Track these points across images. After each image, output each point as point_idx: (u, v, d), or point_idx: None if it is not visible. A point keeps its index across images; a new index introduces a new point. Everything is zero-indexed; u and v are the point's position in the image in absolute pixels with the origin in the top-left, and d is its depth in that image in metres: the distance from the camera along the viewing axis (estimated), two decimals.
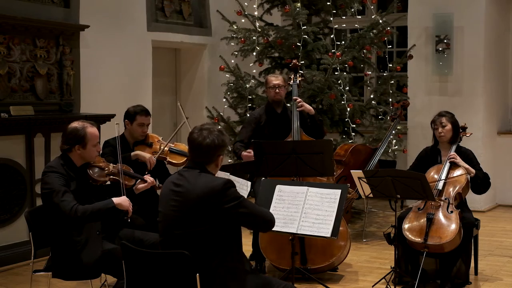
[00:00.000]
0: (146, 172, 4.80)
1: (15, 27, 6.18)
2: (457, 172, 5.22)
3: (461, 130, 5.41)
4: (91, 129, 4.22)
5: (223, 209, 3.30)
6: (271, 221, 3.55)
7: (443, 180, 5.14)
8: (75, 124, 4.22)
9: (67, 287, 5.34)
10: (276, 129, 5.79)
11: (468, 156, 5.33)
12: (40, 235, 4.34)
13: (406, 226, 5.04)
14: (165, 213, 3.41)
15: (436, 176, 5.20)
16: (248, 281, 3.39)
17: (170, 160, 5.23)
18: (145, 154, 5.02)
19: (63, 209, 3.96)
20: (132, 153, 5.02)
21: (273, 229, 4.02)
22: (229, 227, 3.36)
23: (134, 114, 5.16)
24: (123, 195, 4.18)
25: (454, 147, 5.31)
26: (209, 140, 3.39)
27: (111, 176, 4.36)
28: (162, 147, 5.23)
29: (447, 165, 5.23)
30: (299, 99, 5.77)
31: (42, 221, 4.41)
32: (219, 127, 3.59)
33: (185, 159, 5.23)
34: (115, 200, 4.04)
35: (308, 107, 5.78)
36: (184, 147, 5.31)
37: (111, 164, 4.42)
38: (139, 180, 4.53)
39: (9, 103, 6.13)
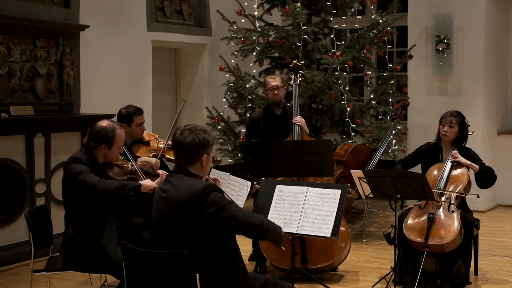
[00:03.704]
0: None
1: (15, 27, 6.19)
2: (459, 172, 5.21)
3: (467, 132, 5.41)
4: (120, 131, 4.30)
5: (203, 215, 3.19)
6: (259, 227, 3.36)
7: (444, 179, 5.15)
8: (105, 124, 4.27)
9: (67, 287, 5.35)
10: (275, 132, 5.75)
11: (469, 153, 5.33)
12: (40, 235, 4.35)
13: (406, 225, 5.04)
14: (156, 218, 3.40)
15: (437, 175, 5.20)
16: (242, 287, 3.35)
17: (169, 156, 5.21)
18: (151, 159, 4.96)
19: (90, 182, 4.06)
20: (139, 160, 4.97)
21: None
22: (218, 233, 3.26)
23: (130, 116, 5.10)
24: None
25: (455, 147, 5.31)
26: (190, 139, 3.29)
27: (129, 175, 4.42)
28: (160, 145, 5.20)
29: (449, 164, 5.22)
30: (298, 120, 5.69)
31: (42, 221, 4.44)
32: (201, 126, 3.47)
33: None
34: (142, 182, 4.22)
35: (305, 128, 5.71)
36: None
37: (129, 163, 4.47)
38: (155, 177, 4.57)
39: (9, 103, 6.13)
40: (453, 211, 5.00)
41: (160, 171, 4.62)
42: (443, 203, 5.05)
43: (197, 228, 3.22)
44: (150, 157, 5.04)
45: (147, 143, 5.25)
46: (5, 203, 5.95)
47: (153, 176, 4.59)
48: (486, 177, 5.26)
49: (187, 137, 3.30)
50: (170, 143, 5.22)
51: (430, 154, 5.42)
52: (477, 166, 5.23)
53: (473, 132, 5.55)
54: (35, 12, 6.41)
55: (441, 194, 5.10)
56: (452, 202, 5.06)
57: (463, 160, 5.23)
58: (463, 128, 5.33)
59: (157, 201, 3.38)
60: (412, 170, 5.25)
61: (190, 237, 3.23)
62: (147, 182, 4.23)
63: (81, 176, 4.09)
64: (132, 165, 4.47)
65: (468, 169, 5.25)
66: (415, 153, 5.59)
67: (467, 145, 5.46)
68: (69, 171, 4.17)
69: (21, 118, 6.04)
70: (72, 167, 4.16)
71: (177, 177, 3.33)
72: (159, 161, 5.01)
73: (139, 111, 5.17)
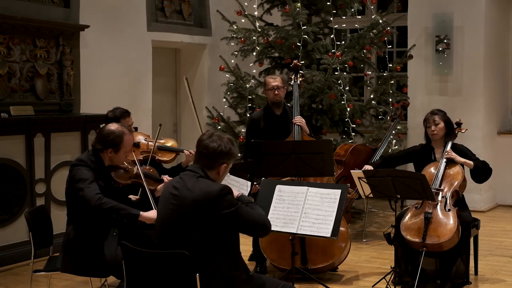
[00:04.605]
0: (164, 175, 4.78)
1: (15, 27, 6.19)
2: (454, 170, 5.21)
3: (456, 126, 5.41)
4: (128, 136, 4.26)
5: (218, 215, 3.25)
6: (266, 227, 3.45)
7: (440, 178, 5.15)
8: (113, 128, 4.24)
9: (67, 287, 5.35)
10: (275, 132, 5.74)
11: (461, 151, 5.33)
12: (40, 235, 4.34)
13: (403, 225, 5.03)
14: (163, 215, 3.40)
15: (432, 174, 5.20)
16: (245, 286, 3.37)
17: (160, 158, 5.15)
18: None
19: (87, 193, 3.99)
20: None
21: (273, 229, 4.01)
22: (226, 234, 3.31)
23: (117, 119, 4.99)
24: (150, 198, 4.23)
25: (449, 144, 5.30)
26: (216, 144, 3.35)
27: (133, 179, 4.38)
28: (150, 144, 5.13)
29: (443, 163, 5.22)
30: (298, 120, 5.70)
31: (42, 221, 4.43)
32: (230, 136, 3.53)
33: (175, 155, 5.16)
34: (143, 213, 4.05)
35: (305, 128, 5.73)
36: (173, 142, 5.24)
37: (136, 167, 4.43)
38: (160, 182, 4.54)
39: (9, 103, 6.14)
40: (449, 210, 5.00)
41: (164, 177, 4.60)
42: (439, 201, 5.05)
43: (208, 228, 3.25)
44: (140, 159, 4.99)
45: (136, 145, 5.17)
46: (5, 203, 5.95)
47: (157, 181, 4.58)
48: (481, 172, 5.27)
49: (214, 142, 3.37)
50: (160, 142, 5.20)
51: (423, 154, 5.42)
52: (471, 163, 5.23)
53: (466, 129, 5.54)
54: (35, 12, 6.41)
55: (437, 193, 5.09)
56: (448, 200, 5.05)
57: (457, 158, 5.23)
58: (448, 122, 5.34)
59: (167, 198, 3.38)
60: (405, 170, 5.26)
61: (198, 236, 3.25)
62: (149, 214, 4.08)
63: (81, 184, 4.04)
64: (138, 169, 4.44)
65: (463, 166, 5.26)
66: (407, 151, 5.62)
67: (467, 146, 5.46)
68: (72, 176, 4.14)
69: (21, 118, 6.04)
70: (76, 172, 4.12)
71: (191, 176, 3.35)
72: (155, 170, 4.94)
73: (125, 113, 5.10)
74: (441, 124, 5.30)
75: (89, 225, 4.14)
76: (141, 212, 4.06)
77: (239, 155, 7.55)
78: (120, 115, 5.07)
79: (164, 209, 3.39)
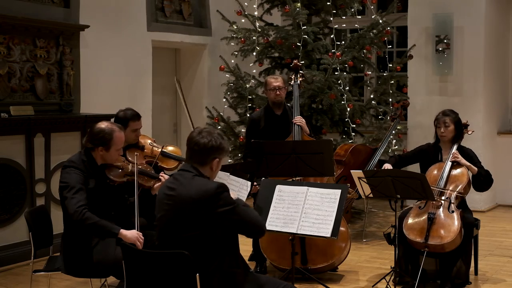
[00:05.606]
0: (163, 172, 4.75)
1: (15, 27, 6.19)
2: (460, 172, 5.21)
3: (463, 128, 5.41)
4: (119, 134, 4.22)
5: (215, 213, 3.24)
6: (261, 229, 3.46)
7: (444, 179, 5.15)
8: (103, 126, 4.21)
9: (67, 287, 5.35)
10: (275, 132, 5.74)
11: (468, 155, 5.33)
12: (40, 235, 4.34)
13: (406, 225, 5.04)
14: (160, 217, 3.40)
15: (437, 175, 5.20)
16: (245, 286, 3.37)
17: (162, 165, 5.10)
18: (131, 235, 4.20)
19: (69, 204, 3.95)
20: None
21: (273, 229, 4.00)
22: (224, 232, 3.31)
23: (126, 120, 4.93)
24: (137, 194, 4.18)
25: (456, 146, 5.30)
26: (206, 140, 3.35)
27: (129, 176, 4.36)
28: (154, 150, 5.09)
29: (449, 164, 5.22)
30: (298, 120, 5.70)
31: (42, 221, 4.43)
32: (219, 131, 3.52)
33: (178, 163, 5.13)
34: (123, 231, 3.97)
35: (305, 128, 5.74)
36: (176, 150, 5.21)
37: (130, 164, 4.41)
38: (156, 179, 4.53)
39: (9, 103, 6.14)
40: (453, 211, 5.00)
41: (162, 175, 4.58)
42: (443, 202, 5.05)
43: (206, 226, 3.25)
44: (143, 163, 4.97)
45: (141, 148, 5.14)
46: (5, 203, 5.95)
47: (154, 178, 4.57)
48: (483, 180, 5.26)
49: (204, 137, 3.36)
50: (164, 150, 5.18)
51: (430, 154, 5.42)
52: (475, 168, 5.23)
53: (473, 131, 5.55)
54: (35, 12, 6.41)
55: (441, 194, 5.09)
56: (452, 201, 5.05)
57: (463, 160, 5.23)
58: (458, 124, 5.34)
59: (162, 199, 3.38)
60: (410, 169, 5.25)
61: (196, 235, 3.25)
62: (128, 234, 3.96)
63: (66, 192, 3.99)
64: (133, 166, 4.42)
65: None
66: (414, 151, 5.61)
67: (467, 146, 5.46)
68: (61, 179, 4.10)
69: (21, 118, 6.04)
70: (64, 176, 4.08)
71: (186, 175, 3.34)
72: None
73: (136, 117, 5.00)
74: (451, 127, 5.30)
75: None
76: (121, 230, 3.97)
77: (240, 154, 7.57)
78: (131, 117, 4.97)
79: (160, 211, 3.39)
